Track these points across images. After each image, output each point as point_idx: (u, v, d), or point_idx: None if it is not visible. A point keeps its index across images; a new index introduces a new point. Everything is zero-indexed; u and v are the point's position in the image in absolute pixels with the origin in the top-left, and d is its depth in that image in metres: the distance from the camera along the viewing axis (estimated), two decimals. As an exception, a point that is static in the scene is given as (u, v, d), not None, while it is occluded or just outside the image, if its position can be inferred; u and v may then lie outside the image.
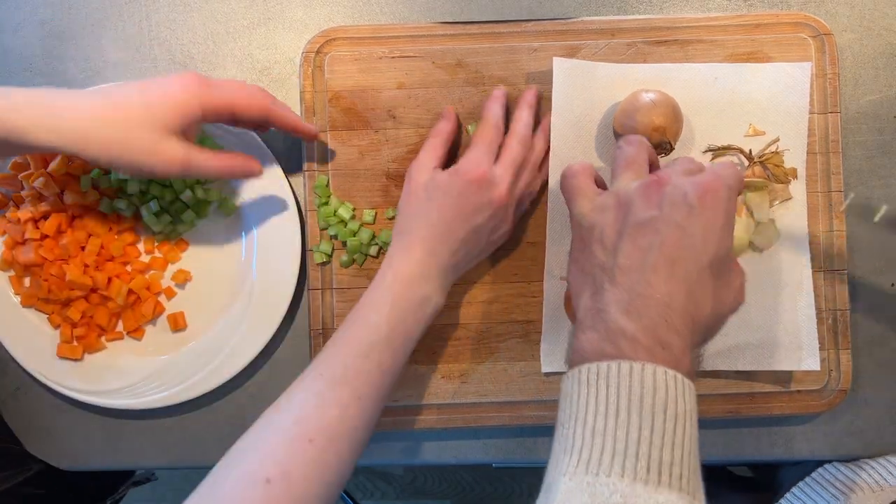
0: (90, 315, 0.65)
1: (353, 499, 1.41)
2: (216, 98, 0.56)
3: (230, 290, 0.66)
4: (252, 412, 0.66)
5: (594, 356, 0.44)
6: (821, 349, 0.64)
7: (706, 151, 0.64)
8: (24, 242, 0.63)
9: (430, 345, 0.65)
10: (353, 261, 0.65)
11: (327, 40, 0.65)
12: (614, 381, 0.42)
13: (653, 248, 0.46)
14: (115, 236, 0.65)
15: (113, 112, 0.53)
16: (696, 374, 0.45)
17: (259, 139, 0.64)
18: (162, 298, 0.66)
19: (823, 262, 0.65)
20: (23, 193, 0.64)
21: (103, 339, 0.65)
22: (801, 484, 0.67)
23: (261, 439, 0.49)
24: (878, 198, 0.66)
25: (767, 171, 0.63)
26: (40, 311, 0.65)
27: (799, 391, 0.64)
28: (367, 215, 0.65)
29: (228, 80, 0.58)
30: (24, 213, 0.63)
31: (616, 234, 0.48)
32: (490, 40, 0.65)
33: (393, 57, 0.65)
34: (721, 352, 0.63)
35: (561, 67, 0.64)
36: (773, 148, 0.64)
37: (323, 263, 0.65)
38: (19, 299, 0.64)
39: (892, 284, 0.66)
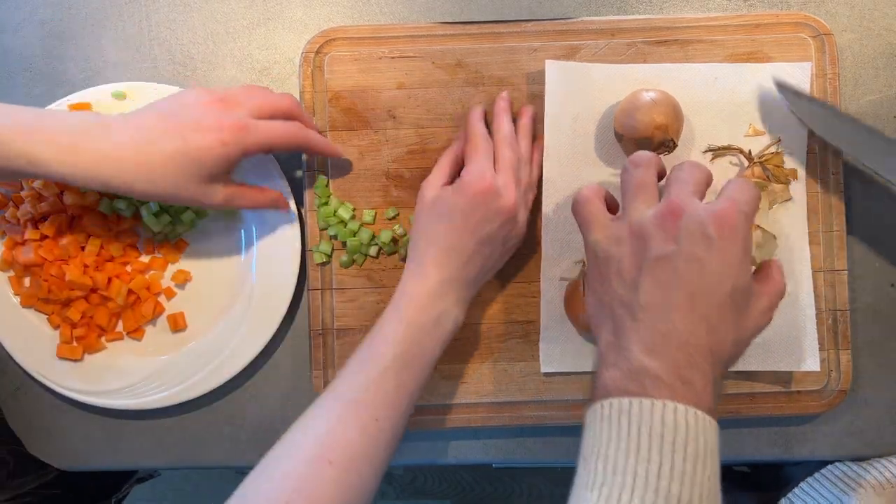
0: (90, 315, 0.64)
1: (354, 499, 1.41)
2: (257, 143, 0.57)
3: (230, 290, 0.66)
4: (252, 412, 0.66)
5: (617, 392, 0.45)
6: (821, 349, 0.63)
7: (706, 151, 0.64)
8: (24, 242, 0.63)
9: (430, 345, 0.65)
10: (353, 261, 0.65)
11: (327, 40, 0.65)
12: (636, 417, 0.43)
13: (673, 284, 0.46)
14: (115, 236, 0.65)
15: (161, 165, 0.55)
16: (719, 398, 0.46)
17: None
18: (162, 299, 0.66)
19: (823, 262, 0.64)
20: (22, 194, 0.64)
21: (103, 339, 0.65)
22: (809, 479, 0.67)
23: (282, 460, 0.49)
24: (878, 198, 0.66)
25: (767, 172, 0.63)
26: (40, 311, 0.65)
27: (799, 391, 0.64)
28: (367, 215, 0.65)
29: (268, 123, 0.58)
30: (24, 213, 0.63)
31: (635, 268, 0.47)
32: (490, 40, 0.65)
33: (393, 57, 0.65)
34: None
35: (553, 69, 0.64)
36: (772, 149, 0.63)
37: (323, 264, 0.65)
38: (19, 299, 0.64)
39: (892, 284, 0.66)
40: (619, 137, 0.62)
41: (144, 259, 0.66)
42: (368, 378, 0.53)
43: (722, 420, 0.51)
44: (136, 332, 0.65)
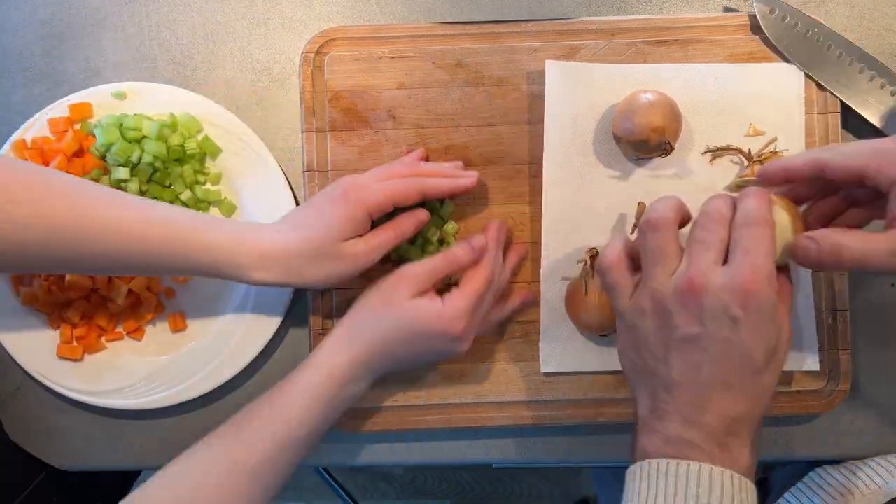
0: (90, 315, 0.65)
1: (353, 499, 1.41)
2: (378, 205, 0.57)
3: (230, 290, 0.66)
4: (252, 412, 0.66)
5: (656, 456, 0.46)
6: (821, 349, 0.63)
7: (706, 152, 0.64)
8: (24, 242, 0.63)
9: (430, 345, 0.65)
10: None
11: (327, 40, 0.65)
12: (672, 479, 0.45)
13: (703, 364, 0.46)
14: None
15: (310, 247, 0.56)
16: (758, 454, 0.48)
17: (256, 138, 0.64)
18: (162, 298, 0.66)
19: (823, 262, 0.64)
20: (23, 193, 0.64)
21: (103, 339, 0.65)
22: (792, 489, 0.67)
23: None
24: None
25: (767, 172, 0.63)
26: (40, 311, 0.65)
27: (799, 391, 0.64)
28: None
29: (382, 183, 0.58)
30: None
31: (662, 346, 0.48)
32: (490, 40, 0.65)
33: (393, 57, 0.65)
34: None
35: (553, 69, 0.64)
36: (771, 148, 0.63)
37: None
38: (19, 299, 0.64)
39: (892, 284, 0.66)
40: (618, 140, 0.63)
41: (144, 259, 0.66)
42: (270, 450, 0.54)
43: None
44: (136, 332, 0.65)
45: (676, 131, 0.61)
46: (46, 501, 0.73)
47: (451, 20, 0.66)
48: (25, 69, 0.68)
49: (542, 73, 0.64)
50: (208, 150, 0.65)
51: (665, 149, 0.61)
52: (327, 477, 1.39)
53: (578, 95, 0.64)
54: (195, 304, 0.66)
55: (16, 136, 0.64)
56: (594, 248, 0.61)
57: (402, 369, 0.61)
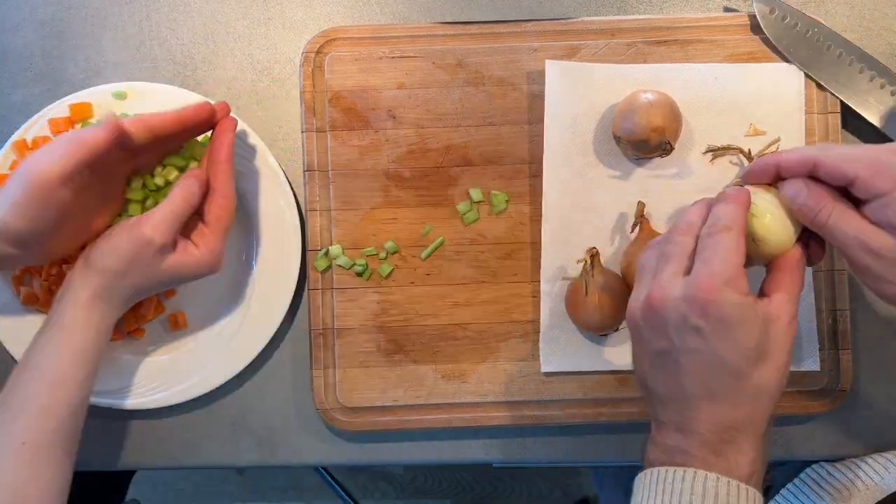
0: (90, 315, 0.64)
1: (353, 499, 1.42)
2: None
3: (230, 289, 0.66)
4: (252, 412, 0.66)
5: (656, 464, 0.48)
6: (821, 349, 0.64)
7: (706, 152, 0.64)
8: (24, 242, 0.63)
9: (430, 345, 0.65)
10: (354, 263, 0.65)
11: (327, 40, 0.65)
12: (668, 486, 0.46)
13: (681, 376, 0.47)
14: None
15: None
16: (765, 462, 0.48)
17: (256, 138, 0.64)
18: (162, 298, 0.66)
19: (823, 262, 0.64)
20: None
21: (103, 339, 0.65)
22: (789, 486, 0.67)
23: None
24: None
25: (767, 171, 0.63)
26: (40, 311, 0.65)
27: (799, 391, 0.64)
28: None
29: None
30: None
31: (646, 361, 0.49)
32: (490, 40, 0.65)
33: (393, 57, 0.65)
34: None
35: (553, 69, 0.64)
36: (772, 148, 0.63)
37: (324, 270, 0.65)
38: (19, 299, 0.64)
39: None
40: (618, 140, 0.63)
41: (144, 259, 0.66)
42: (57, 422, 0.53)
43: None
44: (136, 332, 0.65)
45: (676, 131, 0.61)
46: None
47: (451, 20, 0.67)
48: (25, 69, 0.68)
49: (542, 73, 0.64)
50: (208, 150, 0.65)
51: (665, 149, 0.61)
52: (327, 477, 1.39)
53: (578, 95, 0.64)
54: (195, 303, 0.66)
55: (16, 136, 0.64)
56: (594, 248, 0.61)
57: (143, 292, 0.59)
